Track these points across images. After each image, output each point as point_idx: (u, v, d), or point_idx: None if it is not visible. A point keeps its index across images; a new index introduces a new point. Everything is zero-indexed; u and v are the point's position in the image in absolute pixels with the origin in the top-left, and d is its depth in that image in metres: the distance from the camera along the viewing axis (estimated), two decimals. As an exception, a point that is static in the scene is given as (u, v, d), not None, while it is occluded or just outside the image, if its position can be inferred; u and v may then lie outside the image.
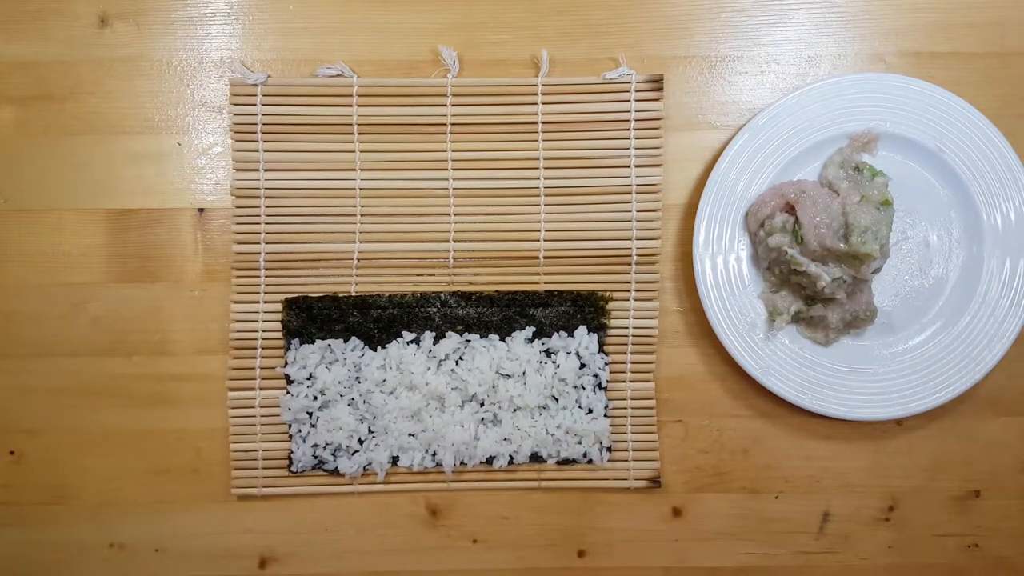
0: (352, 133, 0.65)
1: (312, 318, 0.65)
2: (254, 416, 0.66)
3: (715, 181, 0.64)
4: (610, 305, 0.66)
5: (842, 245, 0.61)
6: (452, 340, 0.65)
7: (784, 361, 0.65)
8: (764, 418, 0.67)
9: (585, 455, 0.66)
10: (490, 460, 0.66)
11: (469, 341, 0.65)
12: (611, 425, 0.66)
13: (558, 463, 0.66)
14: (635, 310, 0.66)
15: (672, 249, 0.67)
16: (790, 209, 0.63)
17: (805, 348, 0.65)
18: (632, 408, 0.67)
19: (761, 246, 0.64)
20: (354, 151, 0.65)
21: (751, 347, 0.64)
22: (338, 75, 0.65)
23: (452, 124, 0.65)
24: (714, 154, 0.66)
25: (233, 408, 0.66)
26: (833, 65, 0.67)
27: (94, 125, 0.66)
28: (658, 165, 0.66)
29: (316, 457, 0.66)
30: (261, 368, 0.66)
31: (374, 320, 0.65)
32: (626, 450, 0.67)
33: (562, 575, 0.67)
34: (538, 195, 0.66)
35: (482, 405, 0.65)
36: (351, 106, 0.65)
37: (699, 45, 0.67)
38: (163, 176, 0.66)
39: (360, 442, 0.65)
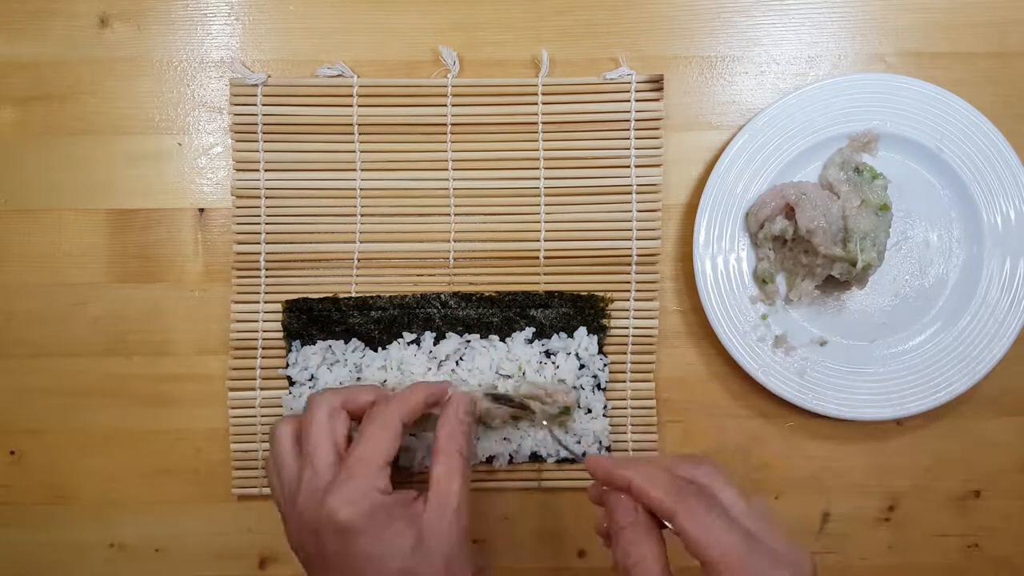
0: (352, 133, 0.65)
1: (312, 320, 0.65)
2: (254, 416, 0.66)
3: (715, 181, 0.64)
4: (610, 306, 0.66)
5: (839, 251, 0.61)
6: (452, 341, 0.65)
7: (784, 361, 0.65)
8: (764, 418, 0.67)
9: (584, 455, 0.66)
10: (490, 460, 0.66)
11: (469, 342, 0.65)
12: (611, 425, 0.66)
13: (557, 462, 0.66)
14: (635, 310, 0.66)
15: (672, 249, 0.67)
16: (790, 211, 0.63)
17: (805, 348, 0.65)
18: (632, 408, 0.67)
19: (762, 248, 0.64)
20: (354, 151, 0.65)
21: (751, 347, 0.64)
22: (338, 75, 0.65)
23: (452, 124, 0.65)
24: (714, 154, 0.66)
25: (233, 408, 0.66)
26: (833, 65, 0.67)
27: (94, 125, 0.66)
28: (658, 165, 0.66)
29: (316, 457, 0.66)
30: (261, 368, 0.66)
31: (374, 321, 0.65)
32: (626, 450, 0.67)
33: (562, 575, 0.67)
34: (538, 195, 0.66)
35: (482, 405, 0.65)
36: (351, 106, 0.65)
37: (699, 45, 0.67)
38: (163, 176, 0.66)
39: (360, 442, 0.66)
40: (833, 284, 0.65)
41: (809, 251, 0.63)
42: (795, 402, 0.64)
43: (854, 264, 0.61)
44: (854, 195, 0.62)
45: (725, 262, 0.65)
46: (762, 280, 0.64)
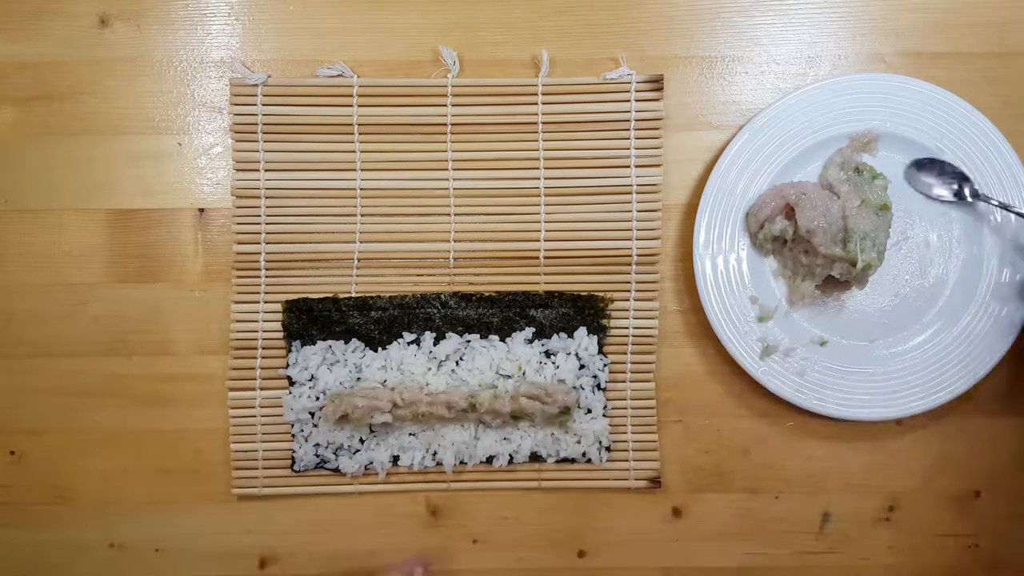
0: (352, 133, 0.65)
1: (312, 320, 0.65)
2: (254, 416, 0.66)
3: (715, 181, 0.64)
4: (610, 306, 0.66)
5: (839, 251, 0.61)
6: (452, 341, 0.65)
7: (784, 361, 0.65)
8: (764, 418, 0.67)
9: (584, 455, 0.66)
10: (490, 460, 0.66)
11: (469, 342, 0.65)
12: (611, 425, 0.66)
13: (557, 462, 0.66)
14: (635, 310, 0.66)
15: (672, 249, 0.67)
16: (790, 211, 0.63)
17: (804, 348, 0.65)
18: (632, 408, 0.67)
19: (762, 248, 0.64)
20: (354, 151, 0.65)
21: (751, 347, 0.64)
22: (338, 75, 0.65)
23: (452, 124, 0.65)
24: (714, 154, 0.66)
25: (233, 408, 0.66)
26: (833, 65, 0.67)
27: (94, 125, 0.66)
28: (658, 165, 0.66)
29: (318, 456, 0.66)
30: (261, 368, 0.66)
31: (374, 321, 0.65)
32: (626, 450, 0.67)
33: (562, 575, 0.67)
34: (538, 195, 0.66)
35: (482, 405, 0.65)
36: (351, 106, 0.65)
37: (699, 45, 0.67)
38: (163, 176, 0.66)
39: (361, 441, 0.66)
40: (833, 284, 0.65)
41: (809, 251, 0.63)
42: (795, 402, 0.64)
43: (854, 264, 0.61)
44: (854, 195, 0.62)
45: (725, 262, 0.65)
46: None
